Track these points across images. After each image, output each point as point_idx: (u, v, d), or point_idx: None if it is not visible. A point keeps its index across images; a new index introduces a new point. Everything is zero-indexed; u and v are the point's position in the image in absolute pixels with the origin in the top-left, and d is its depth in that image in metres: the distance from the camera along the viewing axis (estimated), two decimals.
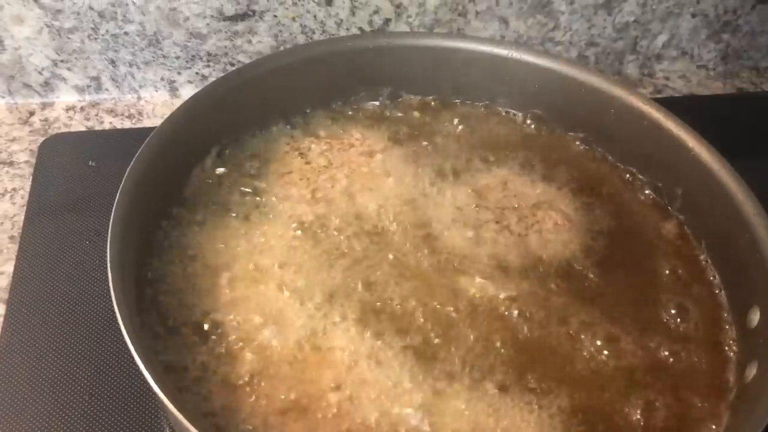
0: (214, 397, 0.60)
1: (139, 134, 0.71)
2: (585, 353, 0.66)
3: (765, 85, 1.09)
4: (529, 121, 0.87)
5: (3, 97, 0.94)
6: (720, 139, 0.93)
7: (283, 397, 0.60)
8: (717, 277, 0.73)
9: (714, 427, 0.62)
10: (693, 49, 1.08)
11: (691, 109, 1.05)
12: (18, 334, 0.73)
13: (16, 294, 0.76)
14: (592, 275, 0.72)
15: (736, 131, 0.99)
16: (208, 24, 0.91)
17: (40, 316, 0.74)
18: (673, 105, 1.04)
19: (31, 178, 0.86)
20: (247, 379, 0.61)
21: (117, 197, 0.65)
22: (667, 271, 0.74)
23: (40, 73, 0.93)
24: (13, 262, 0.78)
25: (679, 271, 0.74)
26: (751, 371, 0.63)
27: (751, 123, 1.02)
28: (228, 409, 0.59)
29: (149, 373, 0.53)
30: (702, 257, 0.75)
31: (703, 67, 1.10)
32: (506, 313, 0.68)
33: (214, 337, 0.64)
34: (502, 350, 0.65)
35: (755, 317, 0.66)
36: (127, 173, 0.67)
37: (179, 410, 0.51)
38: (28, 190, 0.85)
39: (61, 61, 0.92)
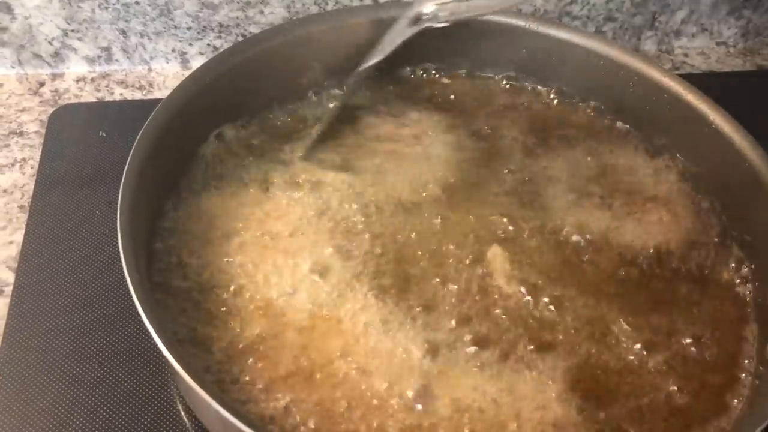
0: (221, 359, 0.60)
1: (150, 105, 0.70)
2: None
3: None
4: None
5: (13, 68, 0.94)
6: (739, 117, 0.92)
7: (288, 362, 0.59)
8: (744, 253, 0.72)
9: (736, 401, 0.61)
10: (713, 25, 1.06)
11: (710, 86, 1.04)
12: (27, 303, 0.72)
13: (25, 263, 0.75)
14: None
15: (755, 108, 0.98)
16: None
17: (49, 285, 0.73)
18: (692, 81, 1.04)
19: (41, 148, 0.85)
20: (253, 343, 0.61)
21: (126, 168, 0.64)
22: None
23: (50, 44, 0.92)
24: (22, 232, 0.77)
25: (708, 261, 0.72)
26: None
27: None
28: (233, 372, 0.59)
29: (161, 340, 0.52)
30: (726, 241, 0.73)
31: (722, 44, 1.08)
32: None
33: (222, 300, 0.64)
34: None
35: None
36: (135, 144, 0.66)
37: (189, 374, 0.51)
38: (38, 160, 0.84)
39: (72, 30, 0.91)
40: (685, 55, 1.07)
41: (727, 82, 1.03)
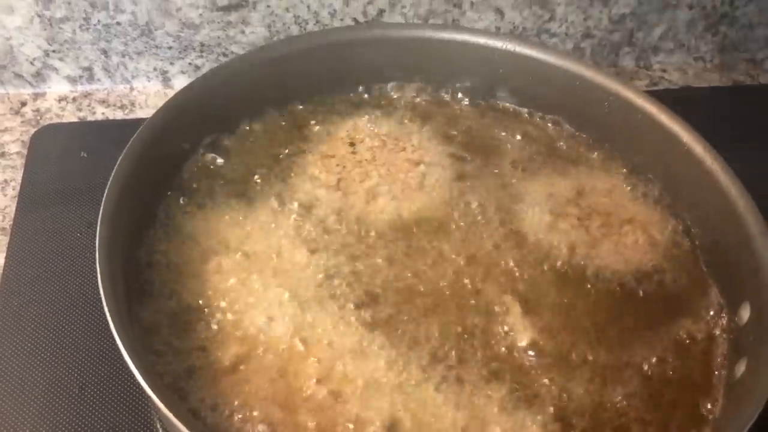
0: (197, 382, 0.61)
1: (132, 125, 0.71)
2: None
3: (761, 78, 1.09)
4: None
5: None
6: (715, 132, 0.94)
7: (266, 385, 0.60)
8: (709, 274, 0.73)
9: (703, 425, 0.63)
10: (690, 41, 1.07)
11: (686, 102, 1.05)
12: (9, 324, 0.73)
13: (6, 285, 0.76)
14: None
15: (730, 124, 1.00)
16: (200, 14, 0.90)
17: (30, 307, 0.74)
18: (669, 97, 1.05)
19: (22, 169, 0.86)
20: (231, 365, 0.61)
21: (105, 192, 0.65)
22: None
23: (32, 63, 0.92)
24: (4, 254, 0.78)
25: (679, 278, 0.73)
26: (740, 368, 0.63)
27: (745, 115, 1.01)
28: (210, 394, 0.60)
29: (137, 370, 0.53)
30: (699, 257, 0.75)
31: (699, 59, 1.10)
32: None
33: (200, 322, 0.65)
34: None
35: (745, 314, 0.66)
36: (115, 168, 0.66)
37: (166, 406, 0.51)
38: (20, 181, 0.85)
39: (53, 51, 0.91)
40: (663, 71, 1.08)
41: (704, 98, 1.04)
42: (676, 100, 1.05)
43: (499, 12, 0.98)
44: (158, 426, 0.67)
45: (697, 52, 1.09)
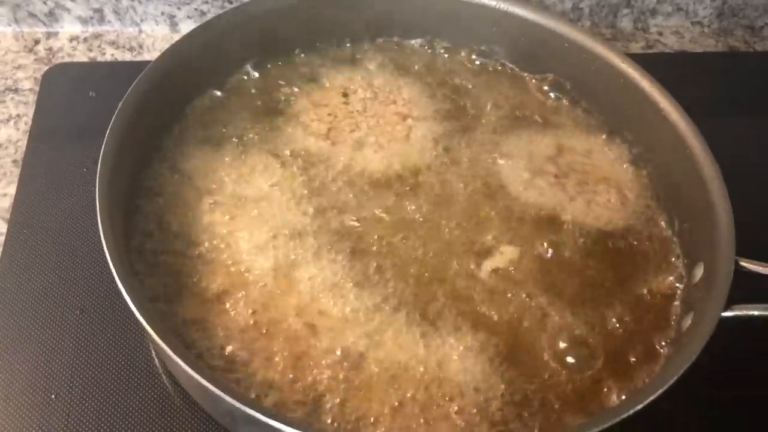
0: (184, 309, 0.67)
1: (139, 67, 0.76)
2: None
3: (757, 45, 1.10)
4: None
5: (9, 25, 0.98)
6: (702, 98, 0.97)
7: (248, 316, 0.66)
8: (677, 238, 0.77)
9: (654, 369, 0.68)
10: (688, 5, 1.09)
11: (678, 66, 1.08)
12: (18, 252, 0.79)
13: (17, 215, 0.81)
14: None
15: (720, 90, 1.02)
16: None
17: (39, 235, 0.80)
18: (662, 61, 1.08)
19: (34, 105, 0.91)
20: (216, 295, 0.67)
21: (108, 130, 0.70)
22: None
23: (45, 3, 0.96)
24: (15, 185, 0.83)
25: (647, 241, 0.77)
26: (687, 322, 0.67)
27: (737, 82, 1.03)
28: (195, 321, 0.66)
29: (134, 305, 0.58)
30: (665, 218, 0.78)
31: (697, 24, 1.11)
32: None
33: (192, 258, 0.70)
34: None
35: (699, 272, 0.70)
36: (118, 109, 0.71)
37: (157, 334, 0.57)
38: (32, 116, 0.90)
39: None
40: (660, 34, 1.10)
41: (697, 63, 1.06)
42: (668, 63, 1.08)
43: None
44: (151, 347, 0.73)
45: (695, 16, 1.11)
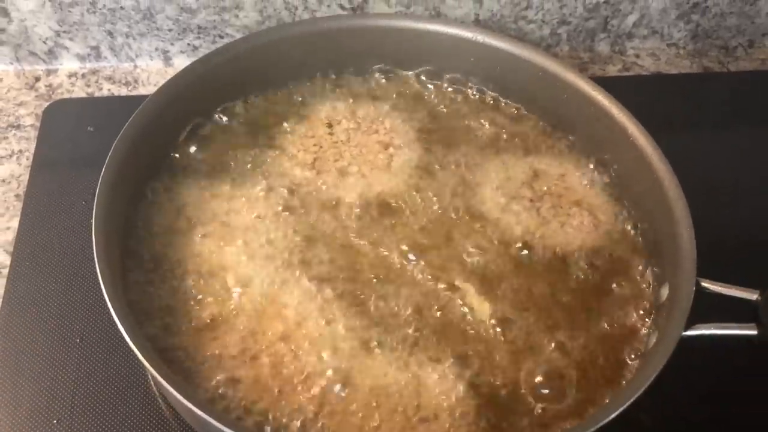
0: (177, 337, 0.71)
1: (135, 101, 0.81)
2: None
3: (731, 65, 1.14)
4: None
5: (11, 64, 1.03)
6: (675, 119, 1.01)
7: (237, 342, 0.70)
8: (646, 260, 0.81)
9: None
10: (663, 28, 1.12)
11: (654, 88, 1.12)
12: (21, 282, 0.83)
13: (20, 247, 0.86)
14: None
15: (693, 110, 1.06)
16: (197, 0, 0.98)
17: (40, 266, 0.84)
18: (638, 83, 1.12)
19: (35, 140, 0.95)
20: (207, 323, 0.71)
21: (104, 166, 0.75)
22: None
23: (45, 42, 1.01)
24: (18, 219, 0.88)
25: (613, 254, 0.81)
26: (652, 340, 0.71)
27: (712, 103, 1.07)
28: (185, 349, 0.70)
29: (126, 332, 0.63)
30: (637, 240, 0.82)
31: (673, 45, 1.15)
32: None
33: (184, 285, 0.75)
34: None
35: (665, 293, 0.74)
36: (114, 144, 0.76)
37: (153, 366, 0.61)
38: (33, 151, 0.94)
39: (63, 31, 1.00)
40: (637, 56, 1.14)
41: (672, 84, 1.10)
42: (645, 85, 1.12)
43: (478, 0, 1.04)
44: (147, 373, 0.77)
45: (670, 38, 1.14)
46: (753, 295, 0.69)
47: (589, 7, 1.07)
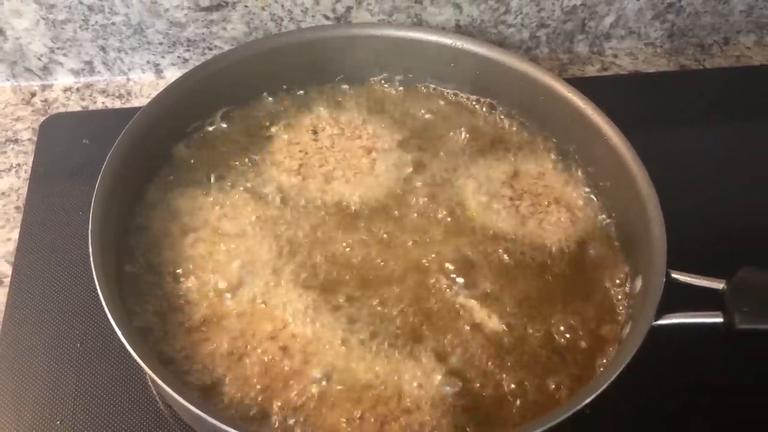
0: (172, 338, 0.74)
1: (128, 113, 0.84)
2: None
3: (707, 62, 1.17)
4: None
5: (8, 80, 1.06)
6: (653, 116, 1.04)
7: (228, 342, 0.74)
8: (622, 254, 0.84)
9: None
10: (640, 28, 1.16)
11: (632, 86, 1.15)
12: (23, 292, 0.86)
13: (21, 257, 0.89)
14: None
15: (670, 107, 1.09)
16: (185, 14, 1.01)
17: (41, 275, 0.87)
18: (615, 82, 1.15)
19: (33, 154, 0.99)
20: (199, 324, 0.75)
21: (99, 177, 0.78)
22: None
23: (39, 59, 1.04)
24: (18, 230, 0.91)
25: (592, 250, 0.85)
26: (626, 331, 0.74)
27: (689, 99, 1.10)
28: (182, 349, 0.73)
29: (123, 335, 0.66)
30: (612, 235, 0.86)
31: (650, 45, 1.18)
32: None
33: (177, 289, 0.78)
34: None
35: (638, 284, 0.77)
36: (107, 157, 0.79)
37: (146, 364, 0.65)
38: (31, 165, 0.98)
39: (57, 48, 1.03)
40: (615, 56, 1.17)
41: (649, 83, 1.13)
42: (623, 84, 1.16)
43: (458, 7, 1.07)
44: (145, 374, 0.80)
45: (647, 38, 1.18)
46: (720, 285, 0.72)
47: (567, 10, 1.11)
